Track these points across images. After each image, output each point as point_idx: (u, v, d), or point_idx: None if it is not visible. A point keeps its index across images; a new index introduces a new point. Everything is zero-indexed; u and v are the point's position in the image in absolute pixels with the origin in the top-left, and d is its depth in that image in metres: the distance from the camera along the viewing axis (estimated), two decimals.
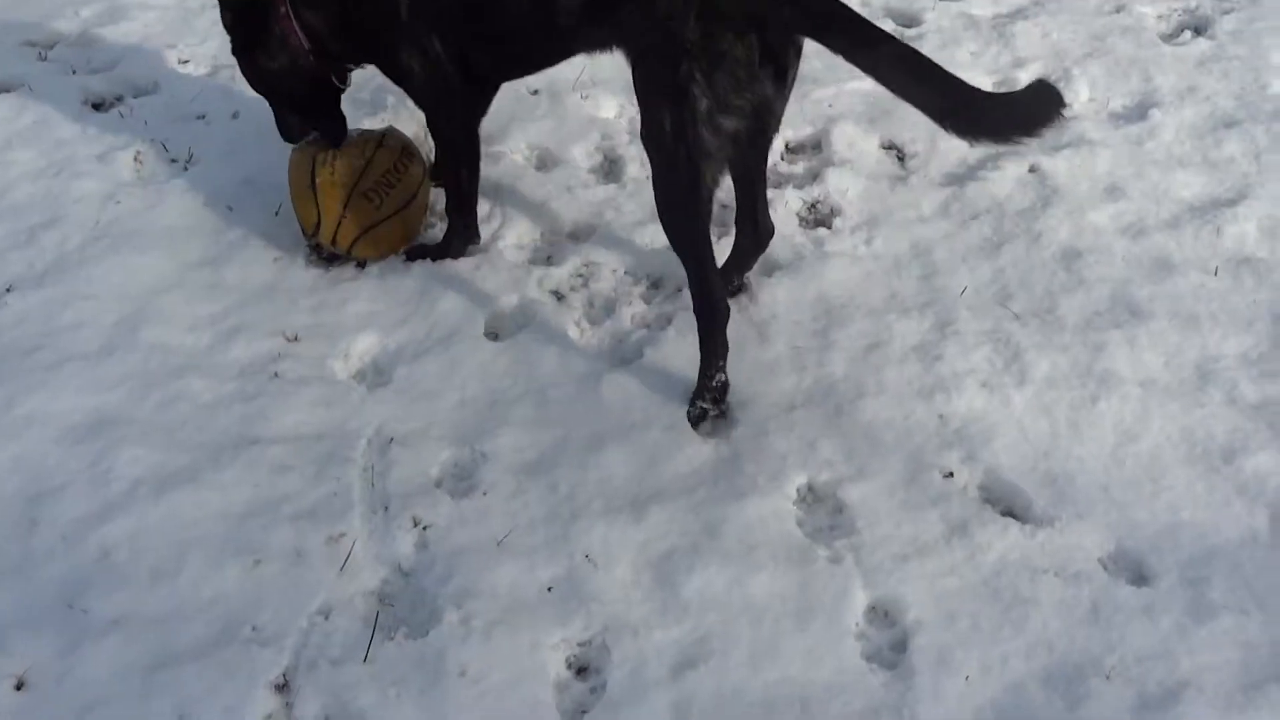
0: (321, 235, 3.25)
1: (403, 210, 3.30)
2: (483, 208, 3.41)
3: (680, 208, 2.70)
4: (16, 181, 3.55)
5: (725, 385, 2.84)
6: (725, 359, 2.84)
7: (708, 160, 2.62)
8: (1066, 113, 2.37)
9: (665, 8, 2.52)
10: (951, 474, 2.65)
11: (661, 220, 2.76)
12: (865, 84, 3.83)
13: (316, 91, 3.24)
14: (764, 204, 3.05)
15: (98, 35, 4.17)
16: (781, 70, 2.63)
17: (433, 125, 3.24)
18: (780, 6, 2.51)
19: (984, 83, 3.98)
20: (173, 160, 3.67)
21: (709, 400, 2.84)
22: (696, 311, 2.80)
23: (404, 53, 3.03)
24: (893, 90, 2.40)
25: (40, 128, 3.76)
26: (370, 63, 3.22)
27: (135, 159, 3.66)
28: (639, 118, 2.68)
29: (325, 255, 3.31)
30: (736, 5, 2.49)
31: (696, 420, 2.83)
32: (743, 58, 2.51)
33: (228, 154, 3.67)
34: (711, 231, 2.77)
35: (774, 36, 2.54)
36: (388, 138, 3.35)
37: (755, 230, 3.07)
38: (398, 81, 3.18)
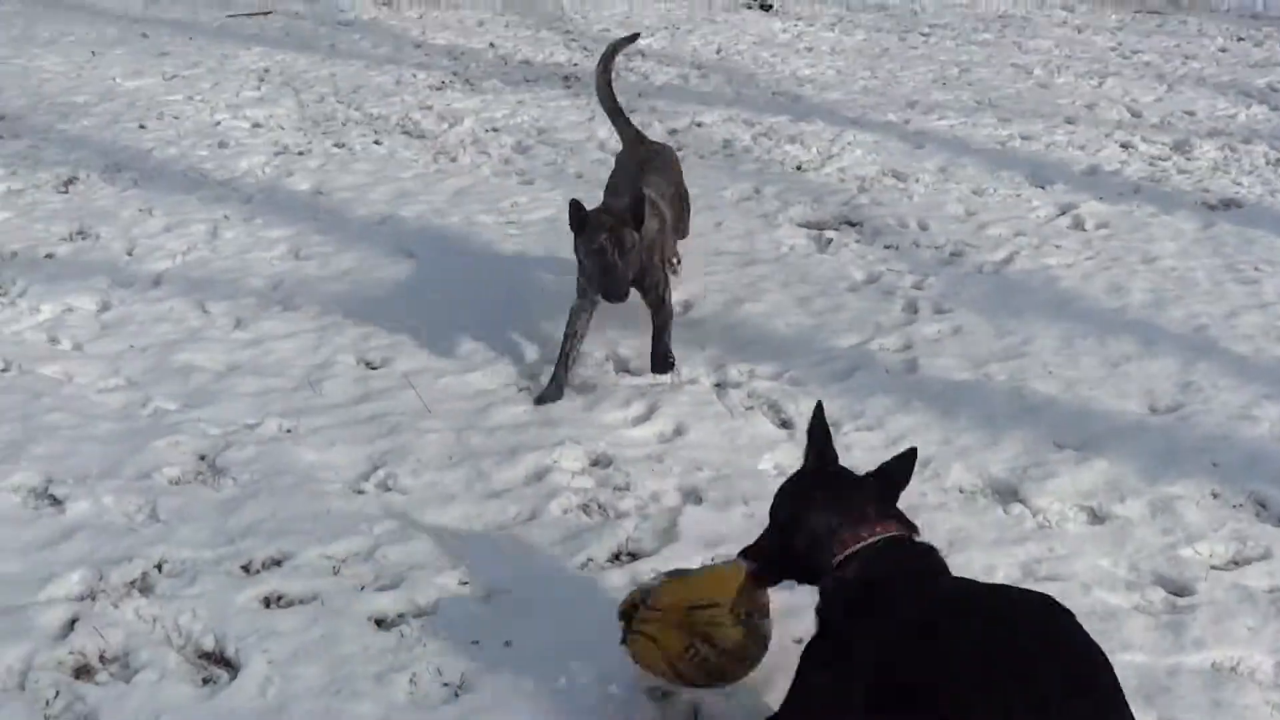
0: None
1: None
2: None
3: None
4: (299, 697, 3.72)
5: None
6: None
7: None
8: None
9: None
10: None
11: None
12: (1140, 657, 3.80)
13: None
14: None
15: (387, 551, 4.44)
16: None
17: None
18: None
19: (1264, 662, 3.85)
20: (445, 685, 3.79)
21: None
22: None
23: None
24: None
25: (327, 642, 3.96)
26: None
27: (410, 681, 3.80)
28: None
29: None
30: None
31: None
32: None
33: (496, 685, 3.77)
34: None
35: None
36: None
37: None
38: None
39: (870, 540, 3.22)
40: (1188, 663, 3.85)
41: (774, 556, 3.44)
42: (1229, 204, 8.28)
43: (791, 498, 3.45)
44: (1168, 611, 4.12)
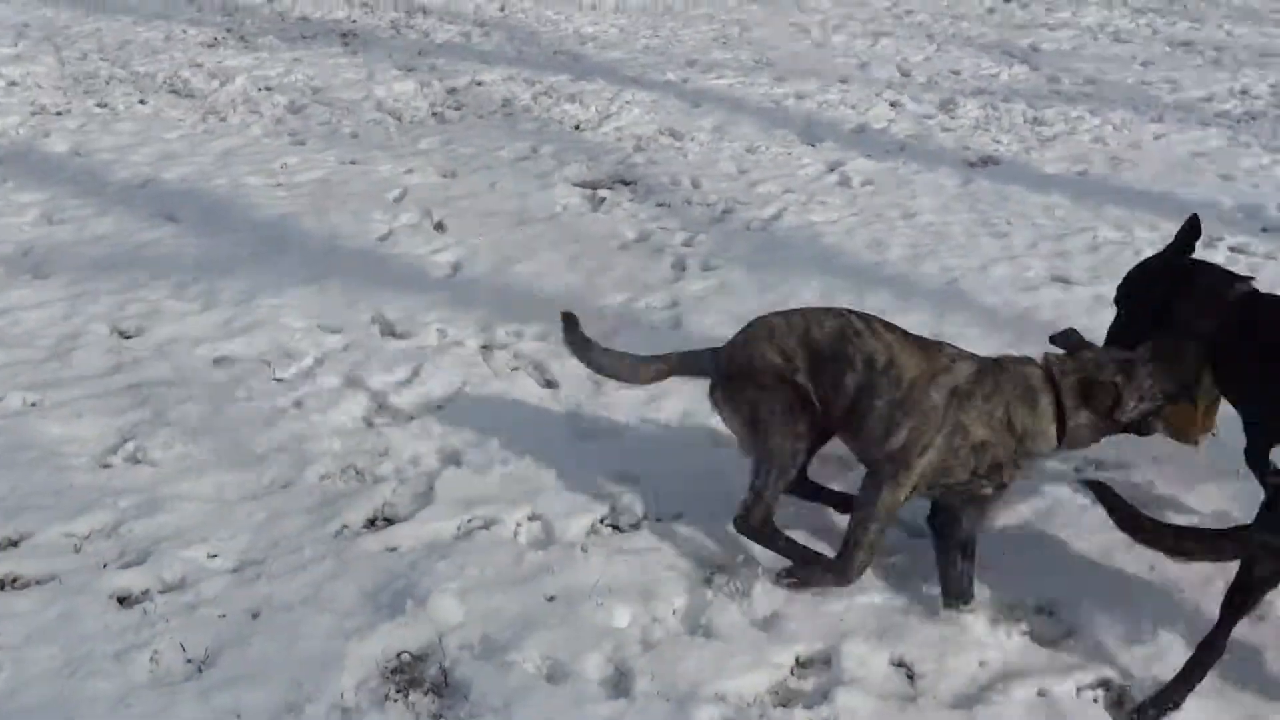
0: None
1: None
2: None
3: None
4: (32, 681, 3.58)
5: None
6: None
7: None
8: None
9: None
10: None
11: None
12: (876, 598, 3.95)
13: None
14: None
15: (133, 526, 4.31)
16: None
17: None
18: None
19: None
20: (188, 661, 3.70)
21: None
22: None
23: None
24: None
25: (64, 622, 3.83)
26: None
27: (152, 659, 3.70)
28: None
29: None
30: None
31: None
32: None
33: (241, 657, 3.71)
34: None
35: None
36: None
37: None
38: None
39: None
40: None
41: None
42: (987, 161, 8.61)
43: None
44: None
